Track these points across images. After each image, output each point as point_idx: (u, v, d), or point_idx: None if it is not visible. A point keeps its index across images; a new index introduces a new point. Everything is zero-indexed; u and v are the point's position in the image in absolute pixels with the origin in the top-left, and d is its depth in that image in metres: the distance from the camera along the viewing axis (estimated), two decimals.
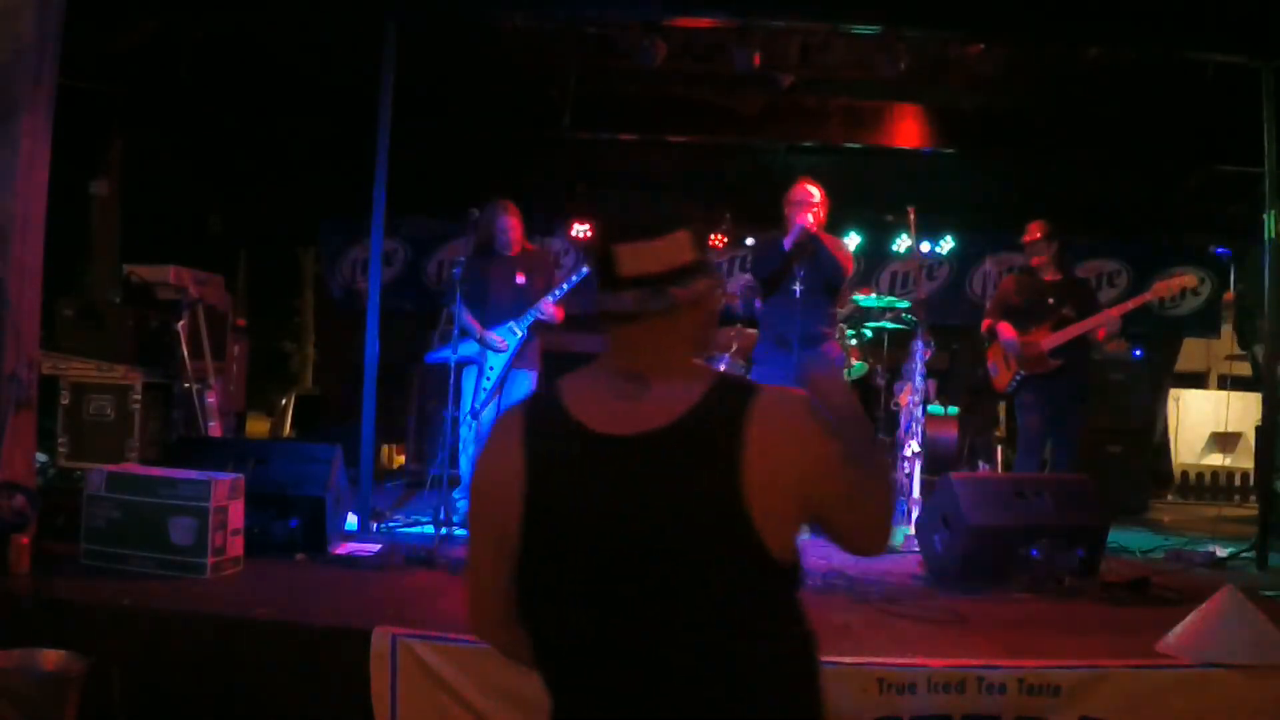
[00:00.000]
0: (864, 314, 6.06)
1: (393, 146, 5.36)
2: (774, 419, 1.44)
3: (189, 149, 8.02)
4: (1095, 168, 8.03)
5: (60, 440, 5.74)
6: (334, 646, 3.31)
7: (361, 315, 5.57)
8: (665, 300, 1.46)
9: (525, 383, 5.85)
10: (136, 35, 6.39)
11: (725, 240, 8.15)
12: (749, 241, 7.36)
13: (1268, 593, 4.30)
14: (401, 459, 8.34)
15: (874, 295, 6.25)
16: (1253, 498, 7.83)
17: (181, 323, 6.04)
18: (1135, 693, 3.15)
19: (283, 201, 9.04)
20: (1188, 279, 6.12)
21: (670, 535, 1.40)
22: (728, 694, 1.41)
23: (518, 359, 5.77)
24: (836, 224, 6.17)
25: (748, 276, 6.82)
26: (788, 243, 5.26)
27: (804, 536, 1.56)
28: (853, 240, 7.55)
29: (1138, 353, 7.91)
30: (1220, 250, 7.84)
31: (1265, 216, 5.35)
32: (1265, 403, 5.62)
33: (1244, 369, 8.54)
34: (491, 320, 5.75)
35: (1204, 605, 3.36)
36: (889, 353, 6.25)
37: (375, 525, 5.30)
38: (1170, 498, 8.39)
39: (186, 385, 5.99)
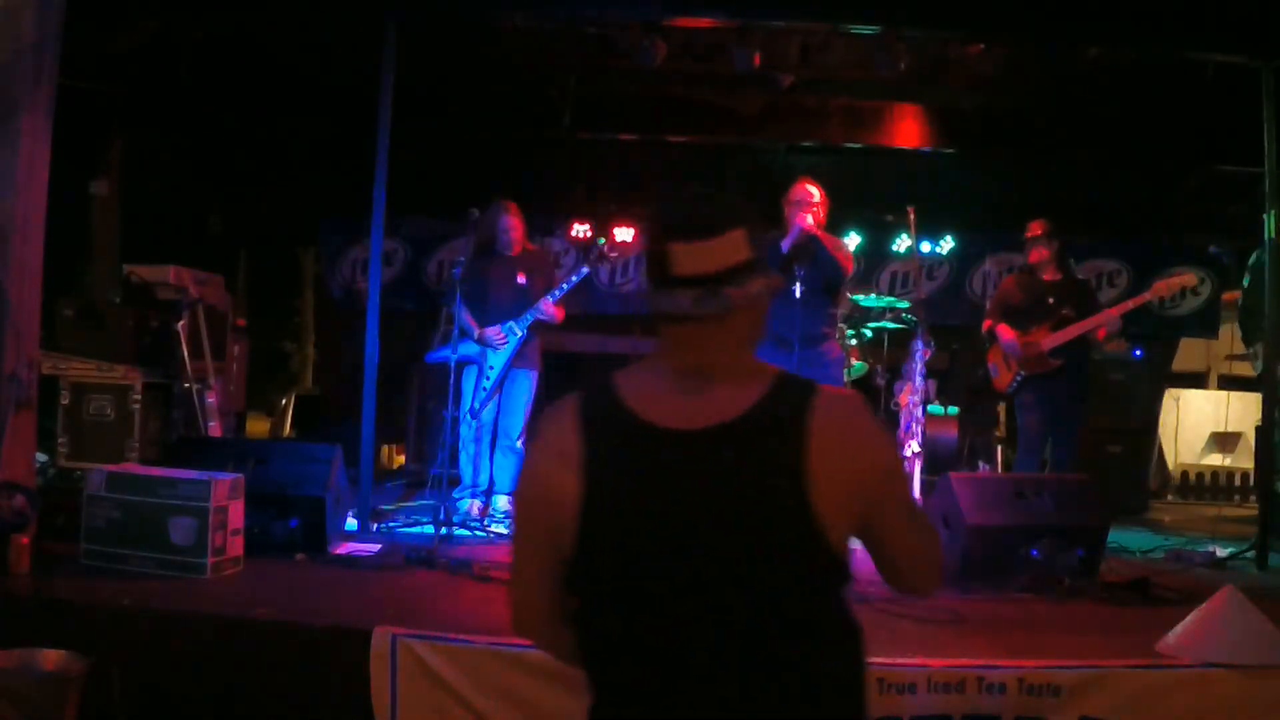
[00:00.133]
0: (864, 314, 6.06)
1: (393, 146, 5.36)
2: (835, 417, 1.44)
3: (189, 149, 8.02)
4: (1095, 168, 8.03)
5: (60, 440, 5.74)
6: (334, 646, 3.31)
7: (361, 315, 5.56)
8: (722, 302, 1.44)
9: (525, 382, 5.86)
10: (136, 35, 6.39)
11: None
12: None
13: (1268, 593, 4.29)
14: (401, 459, 8.34)
15: (874, 295, 6.25)
16: (1253, 498, 7.82)
17: (181, 323, 6.04)
18: (1135, 693, 3.15)
19: (283, 201, 9.03)
20: (1187, 279, 6.12)
21: (735, 528, 1.40)
22: (785, 691, 1.40)
23: (518, 359, 5.78)
24: (836, 224, 6.17)
25: None
26: (786, 244, 5.26)
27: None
28: (853, 240, 7.55)
29: (1138, 353, 7.91)
30: (1214, 251, 7.85)
31: (1265, 216, 5.35)
32: (1265, 403, 5.62)
33: (1244, 369, 8.53)
34: (492, 320, 5.76)
35: (1204, 605, 3.36)
36: (889, 353, 6.24)
37: (375, 525, 5.30)
38: (1170, 498, 8.39)
39: (186, 385, 5.99)
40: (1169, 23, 5.43)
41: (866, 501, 1.45)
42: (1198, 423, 8.56)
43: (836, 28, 6.07)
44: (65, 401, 5.74)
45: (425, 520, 5.35)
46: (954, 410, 7.07)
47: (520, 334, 5.74)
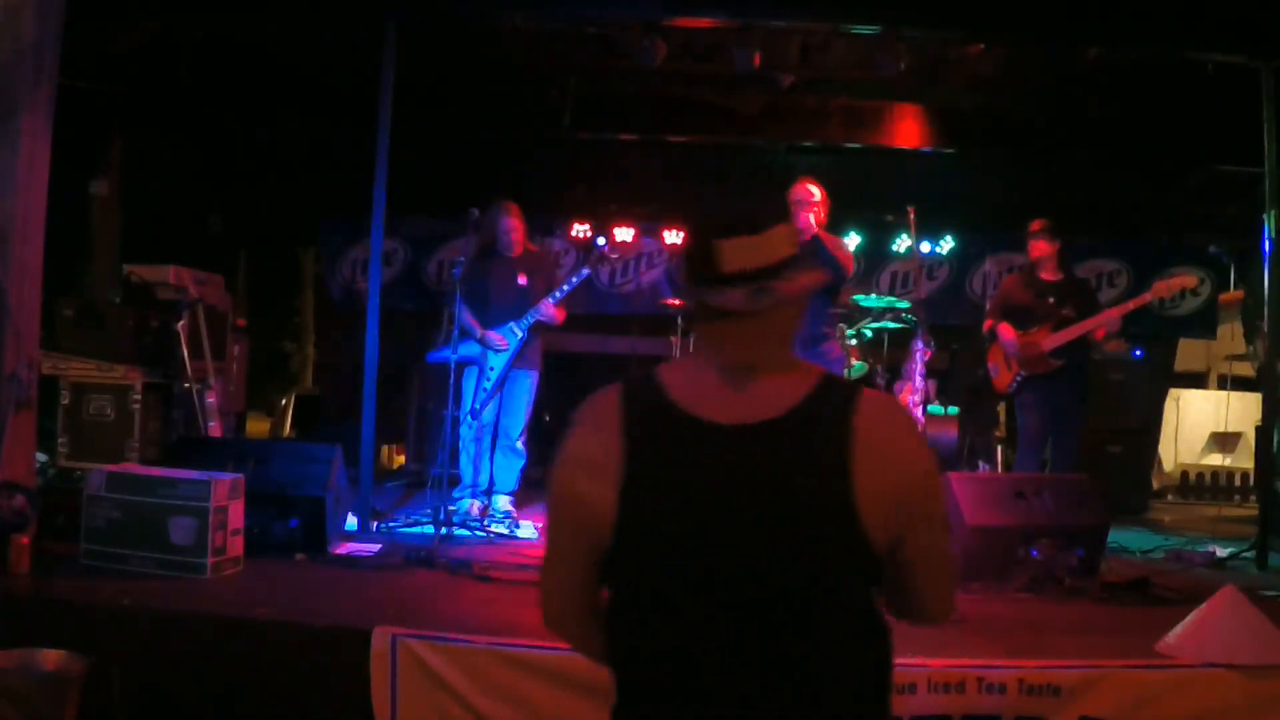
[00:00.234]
0: (864, 314, 6.06)
1: (393, 146, 5.36)
2: (881, 419, 1.45)
3: (189, 149, 8.03)
4: (1095, 168, 8.02)
5: (60, 440, 5.74)
6: (334, 646, 3.30)
7: (361, 315, 5.57)
8: (771, 296, 1.45)
9: (526, 383, 5.86)
10: (136, 35, 6.40)
11: None
12: None
13: (1268, 593, 4.30)
14: (401, 459, 8.34)
15: (874, 295, 6.25)
16: (1253, 498, 7.82)
17: (181, 323, 6.04)
18: (1135, 693, 3.14)
19: (283, 201, 9.04)
20: (1188, 279, 6.11)
21: (779, 524, 1.40)
22: (820, 688, 1.41)
23: (518, 359, 5.78)
24: (836, 224, 6.17)
25: None
26: None
27: None
28: (853, 240, 7.55)
29: (1138, 353, 7.91)
30: (1214, 251, 7.86)
31: (1265, 216, 5.35)
32: (1265, 403, 5.62)
33: (1244, 369, 8.54)
34: (493, 321, 5.76)
35: (1204, 605, 3.36)
36: (889, 353, 6.25)
37: (375, 525, 5.30)
38: (1170, 498, 8.39)
39: (186, 385, 5.99)
40: (1169, 23, 5.43)
41: (904, 509, 1.45)
42: (1198, 423, 8.57)
43: (836, 28, 6.07)
44: (65, 401, 5.74)
45: (425, 520, 5.35)
46: (954, 410, 7.06)
47: (520, 335, 5.74)
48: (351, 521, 5.14)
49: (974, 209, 8.17)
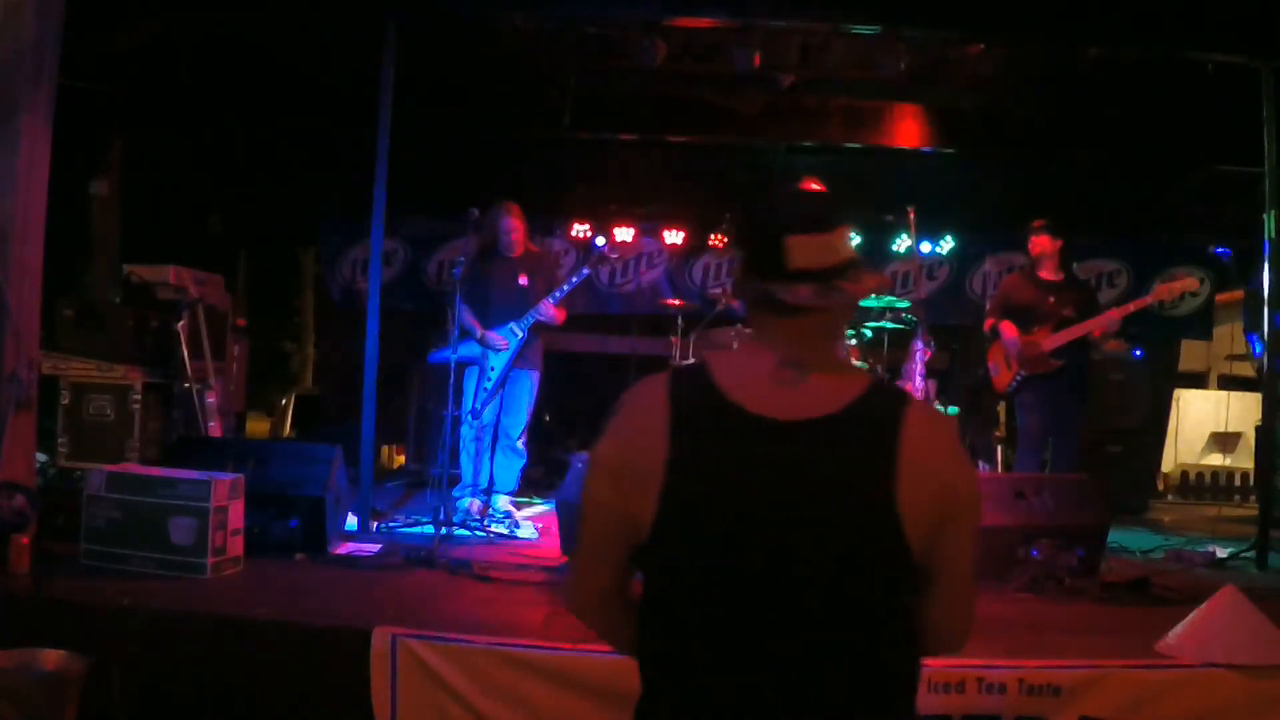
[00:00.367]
0: (864, 314, 6.06)
1: (393, 146, 5.36)
2: (927, 428, 1.46)
3: (189, 149, 8.02)
4: (1095, 168, 8.02)
5: (60, 440, 5.74)
6: (334, 646, 3.30)
7: (361, 315, 5.56)
8: (839, 295, 1.47)
9: (526, 383, 5.86)
10: (136, 35, 6.40)
11: (725, 240, 8.17)
12: None
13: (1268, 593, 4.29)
14: (401, 459, 8.34)
15: (873, 295, 6.25)
16: (1253, 498, 7.83)
17: (181, 323, 6.04)
18: (1135, 693, 3.15)
19: (283, 201, 9.03)
20: (1189, 282, 6.11)
21: (823, 521, 1.40)
22: (853, 685, 1.41)
23: (519, 359, 5.79)
24: None
25: None
26: None
27: None
28: (853, 240, 7.52)
29: (1138, 353, 7.91)
30: (1220, 250, 7.83)
31: (1265, 216, 5.35)
32: (1265, 402, 5.62)
33: (1244, 369, 8.53)
34: (493, 321, 5.76)
35: (1204, 605, 3.37)
36: (889, 353, 6.24)
37: (375, 525, 5.30)
38: (1170, 498, 8.39)
39: (186, 385, 5.99)
40: (1169, 23, 5.43)
41: (941, 519, 1.44)
42: (1198, 423, 8.57)
43: (836, 28, 6.07)
44: (65, 401, 5.74)
45: (425, 520, 5.35)
46: (954, 410, 7.06)
47: (521, 335, 5.75)
48: (351, 521, 5.13)
49: (974, 209, 8.17)
